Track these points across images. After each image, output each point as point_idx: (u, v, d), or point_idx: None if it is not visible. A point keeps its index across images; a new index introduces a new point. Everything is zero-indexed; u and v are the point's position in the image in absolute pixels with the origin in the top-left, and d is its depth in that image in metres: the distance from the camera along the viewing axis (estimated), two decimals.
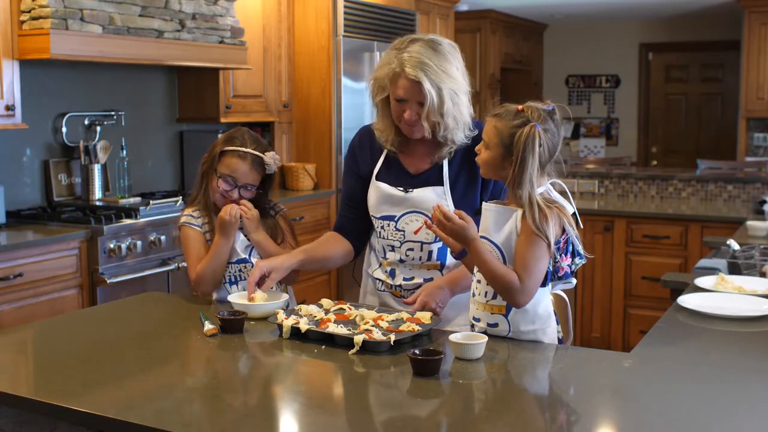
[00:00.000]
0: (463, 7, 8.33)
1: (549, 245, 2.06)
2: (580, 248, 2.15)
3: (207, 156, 2.68)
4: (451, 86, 2.35)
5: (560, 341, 2.24)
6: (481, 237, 2.12)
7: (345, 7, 5.43)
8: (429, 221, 2.18)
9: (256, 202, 2.68)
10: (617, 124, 10.24)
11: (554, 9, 8.88)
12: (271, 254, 2.59)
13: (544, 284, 2.12)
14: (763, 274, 3.01)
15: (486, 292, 2.13)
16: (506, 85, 8.98)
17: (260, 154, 2.63)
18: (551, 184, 2.17)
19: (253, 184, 2.64)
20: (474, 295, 2.18)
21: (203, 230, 2.64)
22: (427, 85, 2.31)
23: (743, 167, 6.35)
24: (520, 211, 2.09)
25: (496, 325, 2.13)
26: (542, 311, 2.14)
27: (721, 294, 2.68)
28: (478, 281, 2.15)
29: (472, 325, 2.20)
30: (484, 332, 2.13)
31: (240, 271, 2.62)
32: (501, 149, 2.11)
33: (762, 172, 5.92)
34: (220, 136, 2.75)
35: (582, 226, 2.18)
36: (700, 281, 2.83)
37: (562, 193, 2.18)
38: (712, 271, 3.05)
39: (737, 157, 8.01)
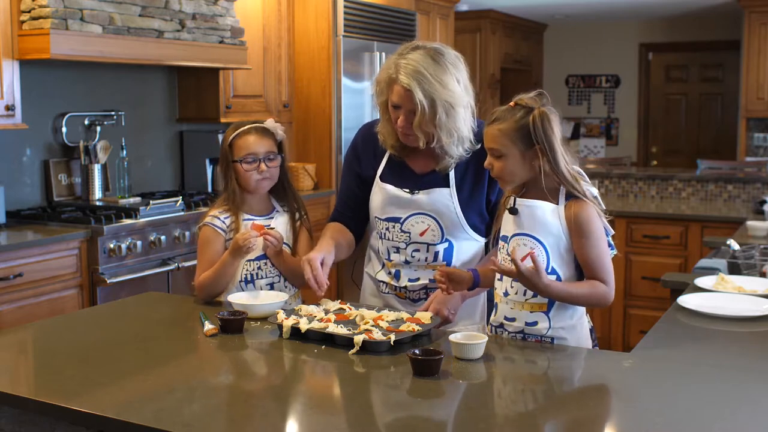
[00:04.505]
0: (463, 7, 8.33)
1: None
2: (609, 236, 2.15)
3: (221, 157, 2.67)
4: (447, 98, 2.30)
5: (591, 331, 2.24)
6: (525, 234, 2.10)
7: (345, 7, 5.43)
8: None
9: (279, 186, 2.67)
10: (617, 124, 10.24)
11: (554, 9, 8.88)
12: (296, 269, 2.57)
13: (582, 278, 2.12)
14: (763, 274, 3.00)
15: (525, 291, 2.10)
16: (506, 85, 8.97)
17: (259, 124, 2.64)
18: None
19: (272, 152, 2.61)
20: (507, 294, 2.14)
21: (227, 230, 2.59)
22: (419, 95, 2.27)
23: (743, 167, 6.35)
24: (561, 206, 2.08)
25: (535, 323, 2.12)
26: None
27: (721, 294, 2.68)
28: (514, 280, 2.11)
29: (501, 324, 2.17)
30: (521, 332, 2.12)
31: (259, 268, 2.59)
32: (519, 147, 2.07)
33: (762, 172, 5.92)
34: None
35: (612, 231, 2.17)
36: (700, 281, 2.83)
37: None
38: (712, 271, 3.05)
39: (737, 157, 8.01)
